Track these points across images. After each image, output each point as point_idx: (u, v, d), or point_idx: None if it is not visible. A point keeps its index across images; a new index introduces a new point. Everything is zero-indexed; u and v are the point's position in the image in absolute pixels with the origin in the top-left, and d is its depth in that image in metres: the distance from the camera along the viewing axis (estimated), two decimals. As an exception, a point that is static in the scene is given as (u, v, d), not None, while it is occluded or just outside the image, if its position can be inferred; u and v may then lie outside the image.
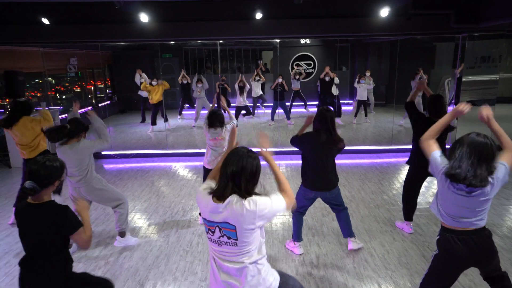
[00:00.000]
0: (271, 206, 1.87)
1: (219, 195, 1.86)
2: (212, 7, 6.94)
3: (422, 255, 3.73)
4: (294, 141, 3.57)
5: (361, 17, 6.98)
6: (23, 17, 6.99)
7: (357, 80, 9.98)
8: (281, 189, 2.02)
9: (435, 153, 2.35)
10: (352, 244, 3.80)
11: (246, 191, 1.85)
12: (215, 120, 4.22)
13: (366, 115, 10.23)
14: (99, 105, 11.88)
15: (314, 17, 7.03)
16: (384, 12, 6.59)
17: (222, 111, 4.43)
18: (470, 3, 6.62)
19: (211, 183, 2.00)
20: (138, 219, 4.68)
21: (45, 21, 6.73)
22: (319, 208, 4.85)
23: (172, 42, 9.59)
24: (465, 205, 2.24)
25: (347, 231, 3.77)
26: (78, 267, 3.61)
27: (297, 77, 10.73)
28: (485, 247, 2.33)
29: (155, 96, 9.27)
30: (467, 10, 6.65)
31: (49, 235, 2.04)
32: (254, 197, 1.86)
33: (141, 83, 9.97)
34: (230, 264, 1.90)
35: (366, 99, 10.01)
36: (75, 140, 3.57)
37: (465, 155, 2.16)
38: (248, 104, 10.04)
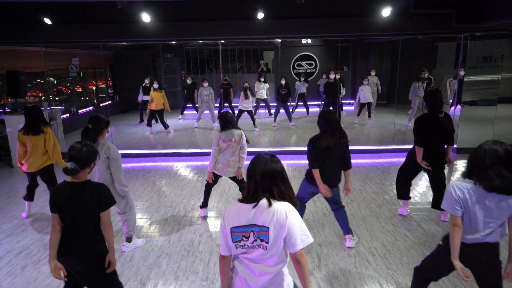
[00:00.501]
0: (298, 223, 1.88)
1: (249, 200, 1.89)
2: (213, 7, 6.95)
3: (423, 255, 3.71)
4: (311, 144, 3.57)
5: (363, 16, 6.98)
6: (25, 17, 7.01)
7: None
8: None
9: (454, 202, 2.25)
10: (350, 242, 3.88)
11: (279, 194, 1.90)
12: (226, 123, 4.25)
13: (369, 116, 10.11)
14: (101, 105, 11.90)
15: (315, 17, 7.03)
16: (386, 12, 6.59)
17: (232, 114, 4.43)
18: (472, 2, 6.61)
19: None
20: (139, 219, 4.69)
21: (47, 21, 6.75)
22: (320, 208, 4.85)
23: (174, 42, 9.60)
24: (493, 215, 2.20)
25: (345, 229, 3.88)
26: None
27: (302, 79, 10.71)
28: (491, 254, 2.32)
29: (158, 103, 8.91)
30: (469, 9, 6.65)
31: (91, 208, 2.37)
32: (285, 203, 1.89)
33: (144, 87, 9.83)
34: (260, 267, 1.92)
35: (370, 101, 9.81)
36: (101, 138, 3.59)
37: (496, 164, 2.12)
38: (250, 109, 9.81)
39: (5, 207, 5.17)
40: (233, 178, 4.51)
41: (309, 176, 3.71)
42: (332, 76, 9.49)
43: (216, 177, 4.51)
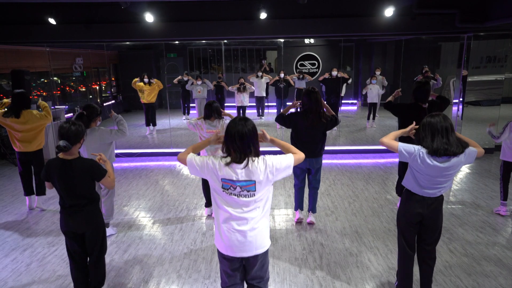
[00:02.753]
0: (280, 162, 2.19)
1: (237, 160, 2.12)
2: (216, 7, 6.97)
3: (425, 255, 3.72)
4: (279, 119, 4.11)
5: (366, 16, 6.98)
6: (30, 17, 7.07)
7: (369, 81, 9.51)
8: (289, 151, 2.34)
9: (400, 144, 2.71)
10: (311, 217, 4.38)
11: (255, 152, 2.16)
12: (211, 112, 4.27)
13: (373, 118, 9.79)
14: (104, 104, 11.95)
15: (318, 17, 7.04)
16: (389, 11, 6.58)
17: (218, 104, 4.44)
18: (475, 2, 6.59)
19: (206, 157, 2.21)
20: (142, 217, 4.72)
21: (52, 21, 6.80)
22: (322, 208, 4.86)
23: (177, 42, 9.63)
24: (438, 175, 2.63)
25: (311, 206, 4.37)
26: (83, 264, 3.66)
27: (300, 76, 10.67)
28: (437, 209, 2.75)
29: (148, 97, 9.03)
30: (472, 9, 6.63)
31: (86, 181, 2.69)
32: (265, 156, 2.20)
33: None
34: (245, 214, 2.17)
35: (376, 101, 9.49)
36: (93, 125, 3.86)
37: (432, 134, 2.57)
38: (249, 104, 9.79)
39: (10, 205, 5.22)
40: None
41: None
42: (334, 73, 9.12)
43: None
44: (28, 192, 5.01)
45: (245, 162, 2.12)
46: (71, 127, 2.62)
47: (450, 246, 3.86)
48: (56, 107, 8.17)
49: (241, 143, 2.11)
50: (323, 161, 4.63)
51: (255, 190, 2.15)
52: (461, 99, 7.56)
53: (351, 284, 3.28)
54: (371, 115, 9.75)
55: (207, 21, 7.10)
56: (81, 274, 2.96)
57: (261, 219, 2.23)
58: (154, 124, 9.50)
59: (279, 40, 8.57)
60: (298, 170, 4.23)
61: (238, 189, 2.13)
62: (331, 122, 4.00)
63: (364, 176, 6.16)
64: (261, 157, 2.19)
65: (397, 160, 7.07)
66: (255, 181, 2.13)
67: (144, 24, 6.99)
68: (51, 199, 5.39)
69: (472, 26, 6.85)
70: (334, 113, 4.07)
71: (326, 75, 9.12)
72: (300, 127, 4.00)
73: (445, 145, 2.53)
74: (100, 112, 3.93)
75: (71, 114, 9.62)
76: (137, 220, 4.64)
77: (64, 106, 9.37)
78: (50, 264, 3.68)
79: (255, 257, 2.24)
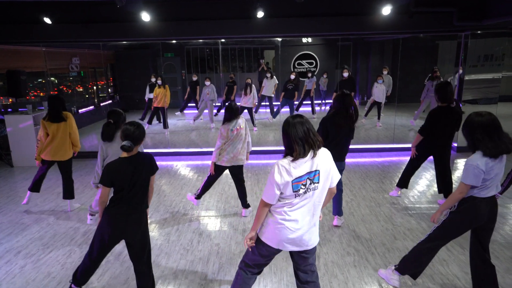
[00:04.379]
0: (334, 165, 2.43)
1: (303, 156, 2.26)
2: (213, 6, 6.94)
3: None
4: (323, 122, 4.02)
5: (363, 15, 6.96)
6: (25, 17, 7.01)
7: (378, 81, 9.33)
8: None
9: (468, 182, 2.68)
10: (337, 220, 4.35)
11: (316, 144, 2.31)
12: (233, 114, 4.34)
13: (379, 118, 9.55)
14: (101, 104, 11.90)
15: (315, 16, 7.01)
16: (386, 10, 6.56)
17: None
18: (473, 0, 6.58)
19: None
20: (139, 218, 4.69)
21: (47, 20, 6.75)
22: (320, 207, 4.84)
23: (174, 41, 9.59)
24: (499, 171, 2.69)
25: (337, 210, 4.37)
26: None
27: (309, 75, 10.59)
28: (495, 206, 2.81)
29: (164, 99, 9.04)
30: (469, 7, 6.61)
31: (147, 174, 2.87)
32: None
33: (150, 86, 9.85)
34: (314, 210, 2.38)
35: (382, 101, 9.31)
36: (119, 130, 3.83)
37: (487, 135, 2.59)
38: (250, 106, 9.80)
39: (5, 206, 5.18)
40: (236, 172, 4.53)
41: None
42: (345, 74, 9.01)
43: (221, 170, 4.51)
44: (36, 188, 4.96)
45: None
46: (135, 131, 2.80)
47: (448, 244, 3.84)
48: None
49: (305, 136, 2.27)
50: None
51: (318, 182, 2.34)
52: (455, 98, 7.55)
53: (349, 283, 3.26)
54: (377, 115, 9.56)
55: (204, 20, 7.06)
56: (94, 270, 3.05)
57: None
58: (167, 127, 9.40)
59: (276, 39, 8.54)
60: None
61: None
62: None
63: (362, 175, 6.14)
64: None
65: (395, 159, 7.07)
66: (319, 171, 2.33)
67: (140, 24, 6.95)
68: (46, 200, 5.35)
69: (470, 24, 6.83)
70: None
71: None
72: (331, 127, 4.01)
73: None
74: (125, 117, 3.97)
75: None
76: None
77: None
78: (45, 266, 3.64)
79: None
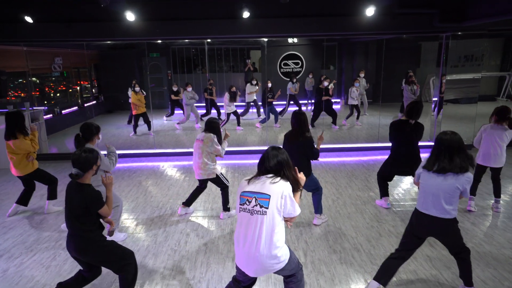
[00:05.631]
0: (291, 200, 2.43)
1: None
2: (199, 6, 6.92)
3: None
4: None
5: (348, 16, 7.05)
6: (6, 15, 6.84)
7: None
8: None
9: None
10: (317, 219, 4.40)
11: (288, 176, 2.45)
12: (211, 129, 4.40)
13: (357, 118, 9.90)
14: (85, 105, 11.70)
15: (301, 16, 7.07)
16: (370, 11, 6.67)
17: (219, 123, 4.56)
18: (454, 2, 6.75)
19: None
20: (125, 219, 4.64)
21: (28, 19, 6.61)
22: (306, 206, 4.89)
23: (160, 41, 9.51)
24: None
25: (315, 209, 4.43)
26: (64, 268, 3.57)
27: (294, 80, 10.68)
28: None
29: (141, 107, 9.01)
30: (450, 9, 6.78)
31: (81, 207, 2.65)
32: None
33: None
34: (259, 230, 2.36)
35: (358, 103, 9.64)
36: (92, 144, 3.81)
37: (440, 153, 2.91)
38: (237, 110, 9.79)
39: (-14, 209, 5.05)
40: (211, 180, 4.54)
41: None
42: (326, 83, 9.16)
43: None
44: (22, 201, 4.90)
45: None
46: (81, 155, 2.63)
47: (431, 240, 3.93)
48: (34, 108, 7.94)
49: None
50: None
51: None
52: (434, 99, 7.73)
53: (335, 280, 3.31)
54: (357, 115, 9.82)
55: (190, 20, 7.03)
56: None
57: None
58: (151, 129, 9.29)
59: (262, 39, 8.57)
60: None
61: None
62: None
63: (347, 174, 6.23)
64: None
65: (380, 157, 7.19)
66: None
67: (125, 23, 6.87)
68: (30, 202, 5.24)
69: (451, 26, 7.01)
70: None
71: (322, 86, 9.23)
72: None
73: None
74: (98, 130, 3.88)
75: (51, 115, 9.39)
76: (120, 222, 4.55)
77: (43, 107, 9.12)
78: (28, 269, 3.57)
79: None
